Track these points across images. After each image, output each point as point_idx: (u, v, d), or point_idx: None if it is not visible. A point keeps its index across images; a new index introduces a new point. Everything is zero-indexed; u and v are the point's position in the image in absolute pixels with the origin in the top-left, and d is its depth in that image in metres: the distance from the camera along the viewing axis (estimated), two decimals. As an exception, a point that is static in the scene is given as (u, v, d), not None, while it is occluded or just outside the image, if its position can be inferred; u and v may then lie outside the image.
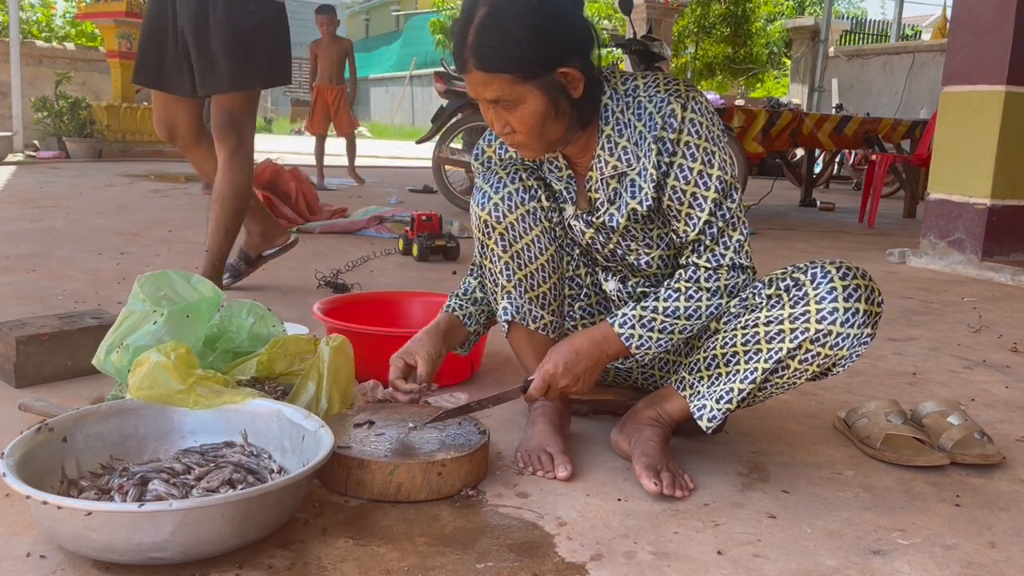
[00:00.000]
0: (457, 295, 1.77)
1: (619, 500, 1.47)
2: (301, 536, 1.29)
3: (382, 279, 3.38)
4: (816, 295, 1.42)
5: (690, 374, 1.54)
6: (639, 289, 1.65)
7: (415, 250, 3.89)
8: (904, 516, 1.47)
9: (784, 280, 1.48)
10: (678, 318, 1.48)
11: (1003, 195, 4.22)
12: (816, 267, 1.45)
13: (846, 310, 1.40)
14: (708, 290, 1.48)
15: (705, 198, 1.47)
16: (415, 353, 1.61)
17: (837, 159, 9.85)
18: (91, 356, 1.99)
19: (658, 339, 1.49)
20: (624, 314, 1.50)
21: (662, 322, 1.48)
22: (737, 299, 1.53)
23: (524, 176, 1.58)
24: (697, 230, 1.48)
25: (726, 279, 1.48)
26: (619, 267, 1.65)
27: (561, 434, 1.65)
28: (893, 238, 5.41)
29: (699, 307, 1.48)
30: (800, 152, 8.09)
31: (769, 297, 1.48)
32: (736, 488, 1.55)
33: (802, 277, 1.45)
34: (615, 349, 1.51)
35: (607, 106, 1.51)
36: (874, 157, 6.36)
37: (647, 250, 1.59)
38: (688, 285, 1.48)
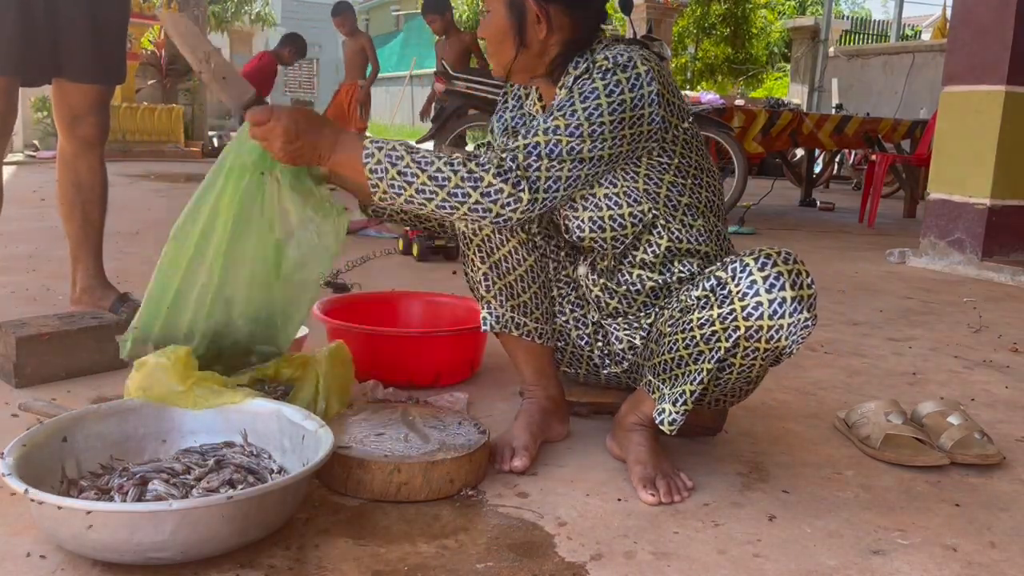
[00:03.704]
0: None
1: (619, 500, 1.47)
2: (301, 536, 1.29)
3: (382, 279, 3.37)
4: (739, 292, 1.38)
5: (654, 377, 1.52)
6: (602, 279, 1.63)
7: (415, 250, 3.89)
8: (904, 516, 1.47)
9: (709, 280, 1.44)
10: (421, 171, 1.38)
11: (1003, 195, 4.22)
12: (735, 262, 1.41)
13: (771, 302, 1.36)
14: (468, 171, 1.38)
15: (547, 118, 1.43)
16: None
17: (837, 159, 9.84)
18: (91, 356, 2.00)
19: (392, 180, 1.38)
20: (386, 140, 1.44)
21: (406, 165, 1.38)
22: (674, 299, 1.53)
23: None
24: (522, 136, 1.43)
25: (493, 174, 1.37)
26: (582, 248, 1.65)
27: (532, 430, 1.64)
28: (893, 238, 5.41)
29: (447, 178, 1.37)
30: (800, 152, 8.09)
31: (699, 299, 1.45)
32: (736, 488, 1.55)
33: (723, 275, 1.42)
34: (349, 149, 1.42)
35: (569, 72, 1.53)
36: (874, 157, 6.36)
37: (573, 213, 1.56)
38: (460, 158, 1.40)
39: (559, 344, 1.75)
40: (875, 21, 17.67)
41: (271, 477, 1.36)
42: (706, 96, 6.72)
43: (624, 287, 1.61)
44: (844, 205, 7.75)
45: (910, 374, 2.38)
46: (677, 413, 1.47)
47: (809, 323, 1.38)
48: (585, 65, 1.50)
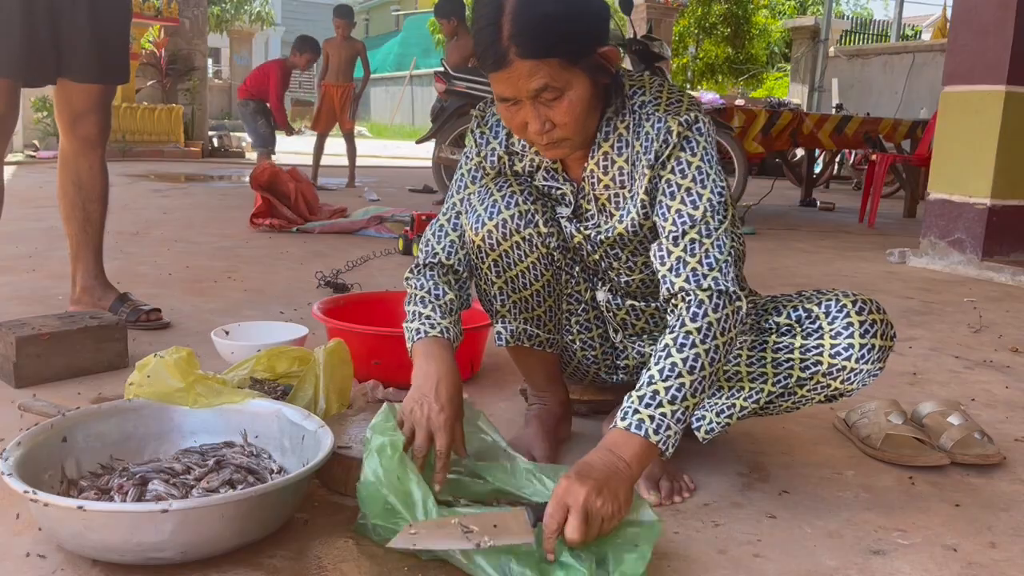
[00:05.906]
0: (429, 313, 1.48)
1: (619, 500, 1.46)
2: (301, 536, 1.29)
3: (382, 279, 3.38)
4: (831, 330, 1.39)
5: None
6: (628, 302, 1.60)
7: (415, 250, 3.89)
8: (904, 516, 1.47)
9: (796, 310, 1.44)
10: (679, 376, 1.25)
11: (1003, 195, 4.22)
12: (831, 300, 1.41)
13: (862, 347, 1.37)
14: (697, 329, 1.28)
15: (692, 217, 1.36)
16: (434, 426, 1.35)
17: (837, 159, 9.85)
18: (91, 356, 2.00)
19: (673, 412, 1.24)
20: (624, 408, 1.27)
21: (665, 390, 1.25)
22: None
23: (520, 200, 1.48)
24: (681, 247, 1.36)
25: (712, 308, 1.30)
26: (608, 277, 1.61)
27: (550, 438, 1.65)
28: (893, 238, 5.41)
29: (696, 353, 1.27)
30: (800, 152, 8.09)
31: (779, 325, 1.44)
32: (736, 488, 1.55)
33: (815, 309, 1.42)
34: (633, 448, 1.24)
35: (610, 120, 1.42)
36: (874, 157, 6.36)
37: (628, 273, 1.55)
38: (675, 336, 1.29)
39: (563, 357, 1.73)
40: (875, 21, 17.67)
41: (271, 477, 1.35)
42: (706, 96, 6.72)
43: (654, 305, 1.59)
44: (844, 205, 7.76)
45: (910, 374, 2.38)
46: (718, 424, 1.46)
47: (879, 372, 1.41)
48: (632, 118, 1.41)
